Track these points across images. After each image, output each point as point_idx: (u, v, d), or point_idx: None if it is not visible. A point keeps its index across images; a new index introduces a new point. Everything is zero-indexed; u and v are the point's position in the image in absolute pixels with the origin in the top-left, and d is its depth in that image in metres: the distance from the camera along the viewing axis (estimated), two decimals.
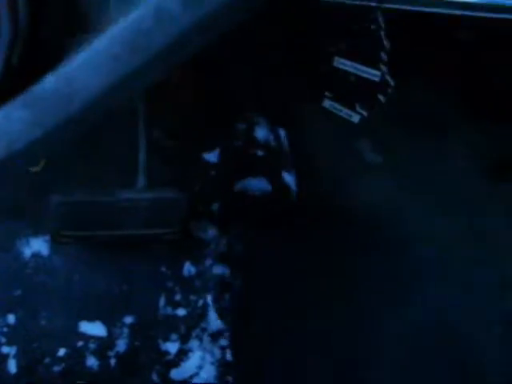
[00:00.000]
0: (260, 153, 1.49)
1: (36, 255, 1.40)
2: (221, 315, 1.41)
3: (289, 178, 1.48)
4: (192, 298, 1.44)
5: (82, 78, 0.49)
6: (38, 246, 1.41)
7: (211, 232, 1.47)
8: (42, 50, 0.56)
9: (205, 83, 1.42)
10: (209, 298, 1.44)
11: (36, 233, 1.41)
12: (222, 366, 1.43)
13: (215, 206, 1.49)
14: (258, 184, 1.49)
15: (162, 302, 1.43)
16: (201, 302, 1.44)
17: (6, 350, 1.38)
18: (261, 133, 1.50)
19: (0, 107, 0.49)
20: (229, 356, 1.42)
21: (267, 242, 1.45)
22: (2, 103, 0.48)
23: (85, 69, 0.49)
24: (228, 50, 1.31)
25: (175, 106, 1.40)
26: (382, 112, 1.33)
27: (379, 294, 1.32)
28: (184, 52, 0.51)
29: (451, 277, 1.39)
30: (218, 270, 1.46)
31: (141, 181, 1.35)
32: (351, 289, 1.37)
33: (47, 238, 1.40)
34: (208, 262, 1.46)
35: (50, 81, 0.49)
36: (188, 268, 1.45)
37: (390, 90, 1.23)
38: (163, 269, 1.44)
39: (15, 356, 1.38)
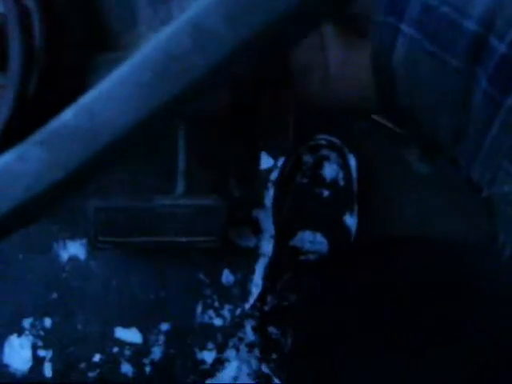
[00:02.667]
0: (325, 193, 1.36)
1: (73, 259, 1.39)
2: (257, 327, 1.37)
3: (350, 220, 1.37)
4: (230, 306, 1.41)
5: (106, 111, 0.44)
6: (75, 249, 1.39)
7: (252, 241, 1.43)
8: (60, 75, 0.52)
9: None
10: (247, 308, 1.40)
11: (73, 236, 1.39)
12: (258, 378, 1.39)
13: (256, 214, 1.44)
14: (313, 240, 1.35)
15: (198, 309, 1.40)
16: (238, 311, 1.41)
17: (42, 353, 1.37)
18: (329, 170, 1.37)
19: (15, 146, 0.44)
20: (265, 368, 1.38)
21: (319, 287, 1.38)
22: (17, 141, 0.44)
23: (109, 101, 0.43)
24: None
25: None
26: None
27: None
28: (226, 77, 0.45)
29: None
30: (258, 279, 1.42)
31: (180, 187, 1.31)
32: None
33: (84, 241, 1.38)
34: (247, 270, 1.42)
35: (69, 115, 0.44)
36: (226, 276, 1.41)
37: None
38: (201, 276, 1.41)
39: (51, 360, 1.37)
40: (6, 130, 0.49)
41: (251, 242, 1.43)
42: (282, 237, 1.33)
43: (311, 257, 1.30)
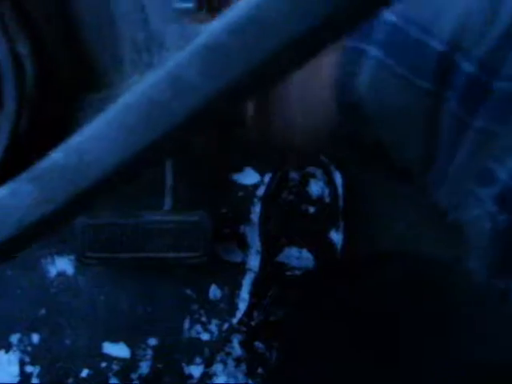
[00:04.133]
0: (311, 210, 1.39)
1: (61, 274, 1.40)
2: (244, 342, 1.39)
3: (336, 236, 1.40)
4: (217, 321, 1.42)
5: (94, 150, 0.46)
6: (63, 265, 1.40)
7: (239, 256, 1.45)
8: (50, 113, 0.54)
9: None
10: (234, 323, 1.42)
11: (61, 252, 1.40)
12: None
13: (242, 229, 1.46)
14: (299, 256, 1.38)
15: (186, 324, 1.41)
16: (226, 326, 1.42)
17: (29, 369, 1.38)
18: (315, 187, 1.40)
19: (8, 181, 0.46)
20: (252, 382, 1.39)
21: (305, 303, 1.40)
22: (10, 177, 0.46)
23: (97, 141, 0.46)
24: None
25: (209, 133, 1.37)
26: None
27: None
28: (205, 122, 0.48)
29: None
30: (245, 294, 1.43)
31: (167, 203, 1.33)
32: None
33: (72, 257, 1.39)
34: (234, 285, 1.44)
35: (59, 154, 0.46)
36: (213, 291, 1.43)
37: None
38: (188, 291, 1.42)
39: (39, 375, 1.38)
40: (1, 164, 0.51)
41: (238, 257, 1.45)
42: (269, 252, 1.35)
43: (297, 272, 1.31)
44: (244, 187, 1.47)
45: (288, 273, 1.30)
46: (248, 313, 1.36)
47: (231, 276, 1.44)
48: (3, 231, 0.47)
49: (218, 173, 1.44)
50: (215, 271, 1.43)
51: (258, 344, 1.32)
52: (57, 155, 0.47)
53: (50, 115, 0.54)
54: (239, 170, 1.47)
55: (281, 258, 1.32)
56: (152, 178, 1.35)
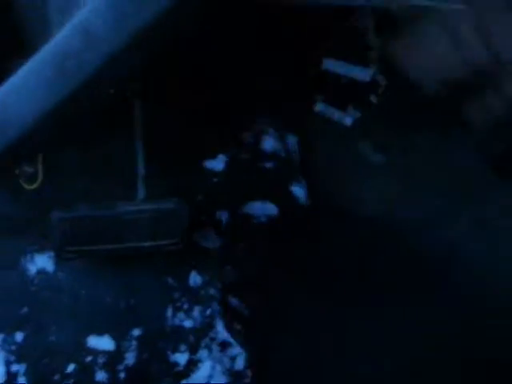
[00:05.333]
0: (268, 165, 1.45)
1: (41, 272, 1.40)
2: (228, 325, 1.40)
3: (298, 190, 1.44)
4: (199, 308, 1.43)
5: (15, 103, 0.48)
6: (42, 262, 1.40)
7: (216, 242, 1.46)
8: None
9: (205, 93, 1.41)
10: (215, 308, 1.43)
11: (41, 249, 1.40)
12: (232, 375, 1.41)
13: (219, 215, 1.47)
14: (263, 209, 1.45)
15: (169, 313, 1.42)
16: (208, 312, 1.43)
17: (15, 368, 1.38)
18: (269, 143, 1.47)
19: None
20: (238, 365, 1.40)
21: (274, 255, 1.43)
22: None
23: (17, 94, 0.48)
24: (221, 58, 1.30)
25: (175, 115, 1.38)
26: (378, 113, 1.31)
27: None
28: (118, 71, 0.50)
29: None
30: (224, 280, 1.45)
31: (140, 193, 1.35)
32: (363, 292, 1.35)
33: (52, 254, 1.40)
34: (213, 271, 1.45)
35: None
36: (194, 278, 1.44)
37: (381, 90, 1.21)
38: (169, 280, 1.43)
39: (25, 373, 1.38)
40: None
41: (216, 243, 1.46)
42: (234, 205, 1.39)
43: (263, 220, 1.36)
44: (218, 173, 1.48)
45: (254, 221, 1.35)
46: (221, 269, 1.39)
47: (210, 262, 1.45)
48: None
49: (190, 160, 1.45)
50: (194, 258, 1.44)
51: (233, 300, 1.35)
52: None
53: None
54: (212, 156, 1.48)
55: (246, 209, 1.37)
56: (126, 168, 1.36)
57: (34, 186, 1.24)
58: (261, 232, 1.44)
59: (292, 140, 1.40)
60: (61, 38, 0.46)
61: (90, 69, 0.46)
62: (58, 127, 0.51)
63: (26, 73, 0.47)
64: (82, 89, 0.47)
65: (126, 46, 0.45)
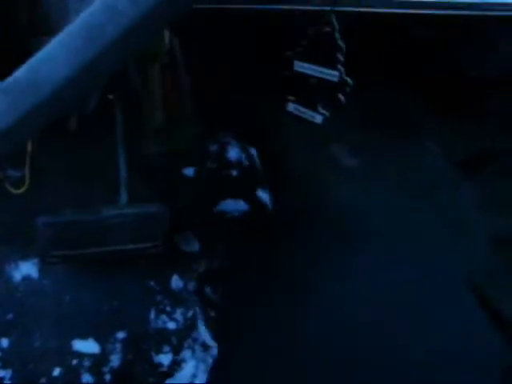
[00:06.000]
0: (234, 173, 1.54)
1: (26, 278, 1.44)
2: (208, 326, 1.45)
3: (263, 195, 1.53)
4: (181, 310, 1.47)
5: (47, 68, 0.55)
6: (27, 269, 1.44)
7: (196, 245, 1.51)
8: (11, 49, 0.62)
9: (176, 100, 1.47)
10: (197, 310, 1.47)
11: (25, 257, 1.44)
12: (216, 374, 1.45)
13: (198, 221, 1.53)
14: (235, 205, 1.53)
15: (152, 315, 1.46)
16: (190, 314, 1.47)
17: (1, 373, 1.40)
18: (233, 153, 1.55)
19: None
20: (220, 362, 1.45)
21: (249, 255, 1.49)
22: None
23: (48, 60, 0.55)
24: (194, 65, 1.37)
25: (148, 124, 1.44)
26: (352, 115, 1.38)
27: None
28: (134, 43, 0.57)
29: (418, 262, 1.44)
30: (205, 282, 1.50)
31: (123, 197, 1.39)
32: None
33: (36, 260, 1.44)
34: (194, 274, 1.50)
35: (21, 71, 0.54)
36: (176, 281, 1.48)
37: (348, 90, 1.28)
38: (152, 283, 1.47)
39: (11, 379, 1.40)
40: None
41: (195, 247, 1.52)
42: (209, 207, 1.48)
43: (236, 214, 1.47)
44: (190, 180, 1.55)
45: (228, 216, 1.43)
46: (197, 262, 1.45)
47: (191, 266, 1.51)
48: None
49: (169, 167, 1.51)
50: (175, 262, 1.49)
51: (208, 290, 1.41)
52: (20, 72, 0.55)
53: (13, 52, 0.62)
54: (190, 165, 1.55)
55: (220, 207, 1.47)
56: (109, 173, 1.41)
57: (21, 190, 1.28)
58: (235, 225, 1.50)
59: (253, 151, 1.50)
60: (88, 13, 0.55)
61: (111, 38, 0.56)
62: (83, 90, 0.59)
63: (57, 43, 0.55)
64: (103, 55, 0.56)
65: (143, 20, 0.55)
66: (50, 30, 0.67)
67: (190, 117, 1.40)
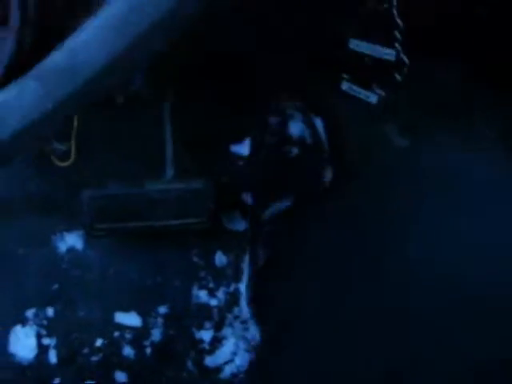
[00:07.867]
0: (294, 151, 1.48)
1: (71, 250, 1.45)
2: (251, 305, 1.44)
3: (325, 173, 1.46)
4: (224, 286, 1.47)
5: (85, 51, 0.52)
6: (72, 240, 1.45)
7: (241, 223, 1.50)
8: (48, 36, 0.60)
9: (230, 74, 1.44)
10: (240, 287, 1.46)
11: (70, 228, 1.45)
12: (256, 353, 1.45)
13: (244, 198, 1.51)
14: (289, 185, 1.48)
15: (194, 291, 1.46)
16: (233, 291, 1.47)
17: (46, 341, 1.43)
18: (295, 128, 1.49)
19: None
20: (258, 342, 1.44)
21: (299, 238, 1.46)
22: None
23: (86, 42, 0.52)
24: (249, 41, 1.33)
25: (200, 97, 1.42)
26: (404, 95, 1.33)
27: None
28: (176, 26, 0.54)
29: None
30: (250, 258, 1.48)
31: (169, 172, 1.38)
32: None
33: (81, 232, 1.44)
34: (239, 251, 1.48)
35: (56, 54, 0.52)
36: (219, 257, 1.47)
37: (406, 69, 1.23)
38: (195, 259, 1.47)
39: (55, 347, 1.43)
40: (7, 74, 0.57)
41: (241, 226, 1.50)
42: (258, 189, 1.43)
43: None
44: (243, 157, 1.52)
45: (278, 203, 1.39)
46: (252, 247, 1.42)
47: (236, 243, 1.49)
48: (7, 128, 0.52)
49: (217, 143, 1.49)
50: (220, 239, 1.48)
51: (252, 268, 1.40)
52: (55, 56, 0.53)
53: (49, 35, 0.60)
54: (239, 140, 1.52)
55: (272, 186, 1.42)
56: (153, 148, 1.40)
57: (67, 163, 1.29)
58: (285, 214, 1.47)
59: (319, 124, 1.42)
60: None
61: (151, 21, 0.53)
62: (121, 74, 0.56)
63: (94, 24, 0.53)
64: (143, 38, 0.53)
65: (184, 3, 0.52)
66: (87, 10, 0.64)
67: None
